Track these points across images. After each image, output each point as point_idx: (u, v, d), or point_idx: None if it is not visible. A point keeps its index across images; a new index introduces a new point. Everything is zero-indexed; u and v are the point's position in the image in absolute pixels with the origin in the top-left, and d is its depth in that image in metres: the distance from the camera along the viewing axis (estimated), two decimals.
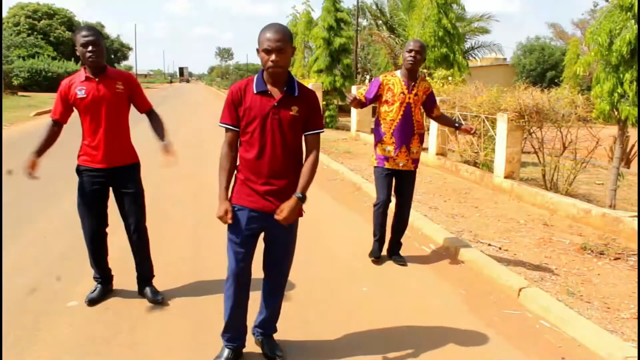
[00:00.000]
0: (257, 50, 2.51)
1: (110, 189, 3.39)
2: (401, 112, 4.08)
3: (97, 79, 3.22)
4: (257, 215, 2.59)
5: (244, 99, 2.53)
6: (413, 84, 4.10)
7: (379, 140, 4.21)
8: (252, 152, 2.54)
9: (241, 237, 2.61)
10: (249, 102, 2.52)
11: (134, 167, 3.42)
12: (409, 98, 4.08)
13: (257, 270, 2.75)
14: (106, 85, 3.24)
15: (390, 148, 4.13)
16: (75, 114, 3.34)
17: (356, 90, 13.23)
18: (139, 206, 3.41)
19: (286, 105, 2.52)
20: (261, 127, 2.51)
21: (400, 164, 4.16)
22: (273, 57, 2.43)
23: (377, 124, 4.24)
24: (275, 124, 2.51)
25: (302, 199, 2.54)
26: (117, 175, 3.32)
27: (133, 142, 3.45)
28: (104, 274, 3.49)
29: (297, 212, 2.53)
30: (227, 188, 2.61)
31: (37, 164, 3.17)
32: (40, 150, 3.24)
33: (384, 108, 4.16)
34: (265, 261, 2.75)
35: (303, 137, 2.63)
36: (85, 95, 3.19)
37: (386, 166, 4.18)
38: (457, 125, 4.32)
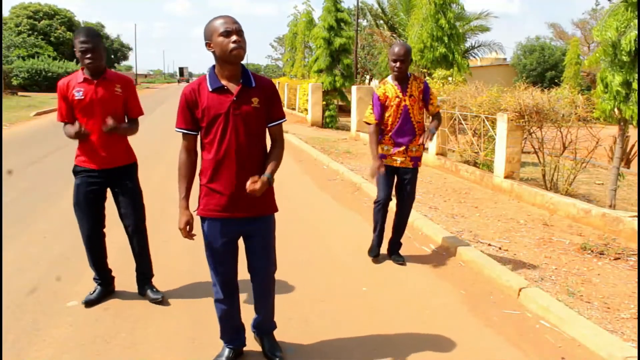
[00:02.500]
0: (208, 44, 2.37)
1: (108, 190, 3.37)
2: (399, 115, 4.12)
3: (95, 81, 3.21)
4: (230, 224, 2.52)
5: (200, 100, 2.41)
6: (406, 85, 4.14)
7: (380, 140, 4.25)
8: (218, 151, 2.43)
9: (218, 249, 2.55)
10: (205, 102, 2.40)
11: (131, 168, 3.40)
12: (405, 100, 4.11)
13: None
14: (105, 88, 3.22)
15: (389, 147, 4.20)
16: None
17: (356, 91, 13.23)
18: (138, 207, 3.40)
19: (246, 98, 2.42)
20: (224, 125, 2.40)
21: (398, 161, 4.19)
22: (234, 37, 2.30)
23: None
24: (238, 119, 2.41)
25: (270, 181, 2.46)
26: (115, 176, 3.31)
27: (132, 143, 3.44)
28: (103, 276, 3.47)
29: (263, 190, 2.39)
30: (187, 197, 2.54)
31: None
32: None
33: (386, 113, 4.18)
34: (249, 266, 2.69)
35: (267, 129, 2.55)
36: (82, 97, 3.18)
37: (384, 162, 4.20)
38: (431, 131, 4.03)
